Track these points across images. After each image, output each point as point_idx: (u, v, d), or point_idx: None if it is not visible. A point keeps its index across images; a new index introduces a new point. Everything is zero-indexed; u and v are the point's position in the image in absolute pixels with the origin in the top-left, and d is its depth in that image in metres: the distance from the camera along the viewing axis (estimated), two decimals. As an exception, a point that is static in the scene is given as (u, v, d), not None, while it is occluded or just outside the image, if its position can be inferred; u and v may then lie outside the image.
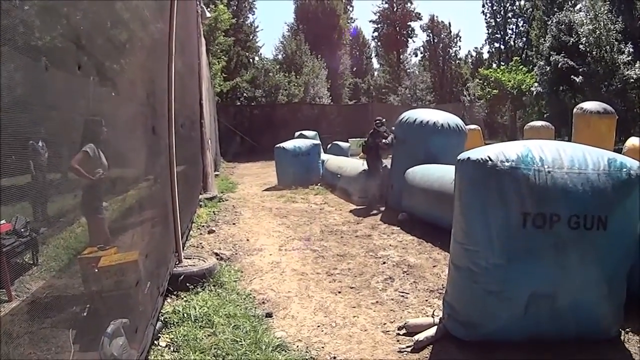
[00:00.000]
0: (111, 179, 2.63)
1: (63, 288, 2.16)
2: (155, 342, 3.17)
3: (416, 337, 3.32)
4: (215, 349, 3.11)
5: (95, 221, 2.50)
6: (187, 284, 4.08)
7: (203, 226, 7.00)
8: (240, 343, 3.19)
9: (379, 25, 52.24)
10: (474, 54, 51.50)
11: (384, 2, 51.92)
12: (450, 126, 7.77)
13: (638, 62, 21.79)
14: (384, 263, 5.32)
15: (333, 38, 41.80)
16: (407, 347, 3.29)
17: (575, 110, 13.80)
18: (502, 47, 47.42)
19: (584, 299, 3.19)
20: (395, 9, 51.92)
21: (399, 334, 3.51)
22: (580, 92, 23.66)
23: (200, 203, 8.14)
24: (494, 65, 39.64)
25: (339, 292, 4.41)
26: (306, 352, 3.21)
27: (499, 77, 31.47)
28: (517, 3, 45.75)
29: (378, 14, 51.96)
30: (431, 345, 3.30)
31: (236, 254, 5.74)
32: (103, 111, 2.57)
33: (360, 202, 9.11)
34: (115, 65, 2.63)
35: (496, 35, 47.47)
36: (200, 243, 6.03)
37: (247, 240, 6.45)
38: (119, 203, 2.90)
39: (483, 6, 46.65)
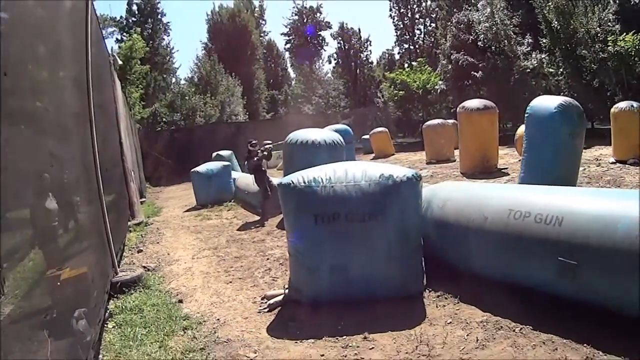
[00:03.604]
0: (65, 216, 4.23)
1: (30, 306, 2.77)
2: (105, 325, 4.99)
3: (269, 302, 5.22)
4: (144, 323, 4.96)
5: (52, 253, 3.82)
6: (124, 289, 5.89)
7: (133, 248, 8.75)
8: (160, 318, 5.06)
9: (291, 37, 54.25)
10: (386, 56, 54.16)
11: (293, 15, 53.96)
12: (327, 142, 9.03)
13: (534, 52, 22.90)
14: (268, 259, 7.22)
15: (246, 54, 43.38)
16: (264, 309, 5.14)
17: (458, 109, 14.24)
18: (412, 47, 49.81)
19: (373, 268, 4.65)
20: (305, 20, 54.02)
21: (262, 303, 5.35)
22: (484, 85, 25.16)
23: (130, 229, 9.91)
24: (406, 65, 40.65)
25: (230, 282, 6.29)
26: (201, 317, 5.09)
27: (404, 79, 32.89)
28: (423, 4, 48.12)
29: (289, 27, 53.96)
30: (280, 307, 5.16)
31: (159, 265, 7.53)
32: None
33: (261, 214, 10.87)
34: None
35: (405, 36, 49.85)
36: (132, 261, 7.80)
37: (168, 254, 8.26)
38: (70, 236, 4.67)
39: (390, 10, 48.94)
